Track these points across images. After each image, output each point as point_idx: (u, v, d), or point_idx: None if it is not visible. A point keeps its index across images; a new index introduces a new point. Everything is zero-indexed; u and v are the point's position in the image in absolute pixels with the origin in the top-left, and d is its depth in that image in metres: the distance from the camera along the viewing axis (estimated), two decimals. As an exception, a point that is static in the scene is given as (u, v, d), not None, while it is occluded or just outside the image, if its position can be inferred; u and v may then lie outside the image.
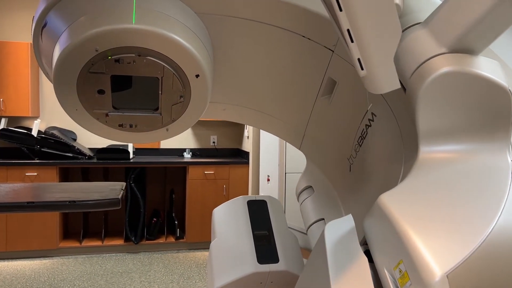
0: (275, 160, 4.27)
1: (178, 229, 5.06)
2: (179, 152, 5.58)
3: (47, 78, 1.48)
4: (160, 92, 1.34)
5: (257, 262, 1.89)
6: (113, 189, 2.44)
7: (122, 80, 1.30)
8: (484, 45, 1.13)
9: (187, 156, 5.50)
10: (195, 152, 5.60)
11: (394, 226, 0.98)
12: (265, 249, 1.94)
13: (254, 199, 2.09)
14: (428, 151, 1.17)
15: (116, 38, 1.19)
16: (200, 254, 4.88)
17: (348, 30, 0.95)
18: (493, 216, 0.96)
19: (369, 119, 1.55)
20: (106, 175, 5.30)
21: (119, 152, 4.99)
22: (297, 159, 4.08)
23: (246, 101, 1.88)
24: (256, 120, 2.03)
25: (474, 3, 1.03)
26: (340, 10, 0.91)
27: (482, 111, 1.14)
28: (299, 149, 2.03)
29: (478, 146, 1.17)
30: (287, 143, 4.09)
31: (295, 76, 1.67)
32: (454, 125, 1.17)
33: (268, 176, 4.48)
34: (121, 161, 4.92)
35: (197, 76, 1.31)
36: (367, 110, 1.55)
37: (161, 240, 5.05)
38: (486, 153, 1.16)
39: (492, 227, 0.94)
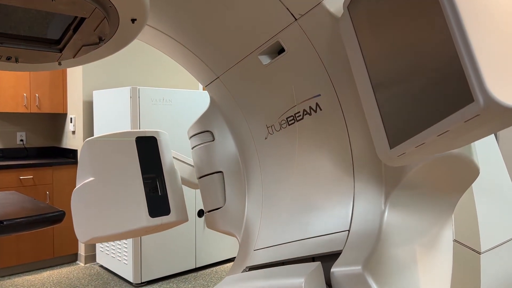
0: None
1: (-16, 254, 3.95)
2: (-27, 155, 4.36)
3: None
4: (72, 32, 1.03)
5: (149, 216, 1.76)
6: (31, 200, 1.70)
7: (15, 7, 0.95)
8: None
9: (-14, 159, 4.33)
10: (-3, 154, 4.46)
11: None
12: (157, 199, 1.82)
13: (143, 135, 1.87)
14: (395, 215, 1.30)
15: None
16: (21, 280, 3.92)
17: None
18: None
19: (310, 107, 1.49)
20: None
21: None
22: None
23: (168, 29, 1.65)
24: (163, 45, 1.80)
25: None
26: (465, 121, 0.86)
27: (452, 186, 1.32)
28: (205, 87, 1.88)
29: (437, 217, 1.34)
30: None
31: (238, 24, 1.50)
32: (425, 197, 1.32)
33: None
34: None
35: (133, 20, 1.05)
36: (313, 97, 1.48)
37: (-40, 272, 3.86)
38: (445, 226, 1.35)
39: None
